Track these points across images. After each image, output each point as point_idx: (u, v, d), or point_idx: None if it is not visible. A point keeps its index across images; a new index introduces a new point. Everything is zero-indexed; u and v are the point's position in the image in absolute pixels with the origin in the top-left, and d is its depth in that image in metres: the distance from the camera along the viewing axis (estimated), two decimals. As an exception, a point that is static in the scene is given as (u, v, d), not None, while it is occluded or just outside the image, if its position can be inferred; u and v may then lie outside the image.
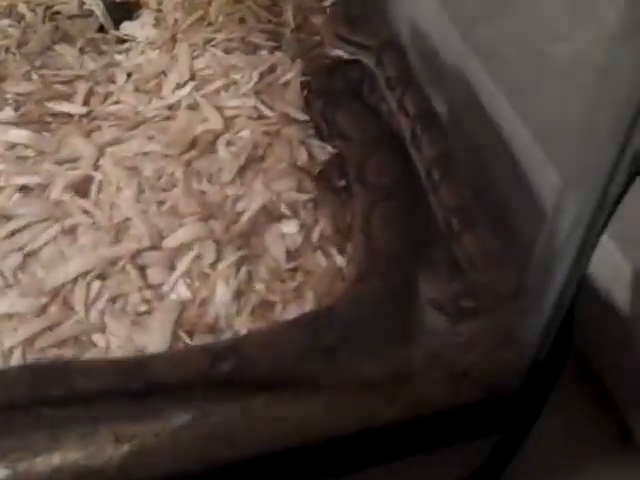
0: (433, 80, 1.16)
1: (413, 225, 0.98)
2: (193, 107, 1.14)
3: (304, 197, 1.00)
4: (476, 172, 1.06)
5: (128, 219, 0.99)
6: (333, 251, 1.00)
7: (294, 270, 0.97)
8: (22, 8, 1.40)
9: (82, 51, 1.34)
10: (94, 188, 1.05)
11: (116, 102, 1.22)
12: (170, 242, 0.96)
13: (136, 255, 0.96)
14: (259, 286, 0.94)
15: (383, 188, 1.01)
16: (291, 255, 0.98)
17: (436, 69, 1.17)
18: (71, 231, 1.00)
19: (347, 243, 1.01)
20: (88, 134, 1.17)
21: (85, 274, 0.95)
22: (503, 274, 0.91)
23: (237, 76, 1.16)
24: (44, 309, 0.93)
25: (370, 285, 0.90)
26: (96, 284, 0.94)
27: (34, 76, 1.26)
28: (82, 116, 1.20)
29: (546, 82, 1.02)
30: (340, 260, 0.99)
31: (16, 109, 1.21)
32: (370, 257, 0.95)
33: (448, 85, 1.15)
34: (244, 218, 0.98)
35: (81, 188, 1.05)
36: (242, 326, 0.91)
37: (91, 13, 1.40)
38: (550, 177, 0.91)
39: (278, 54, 1.22)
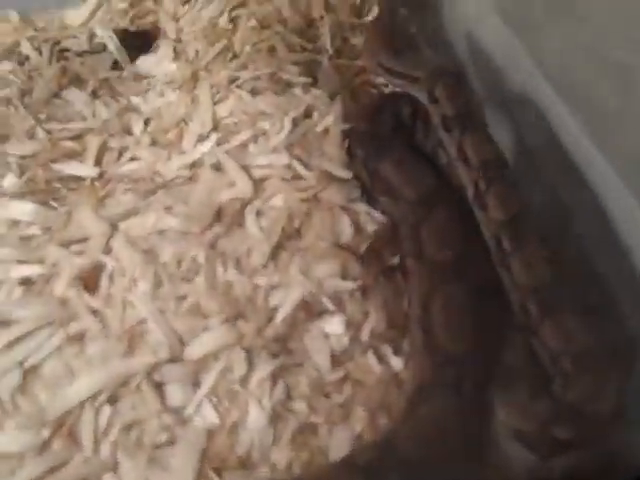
0: (500, 119, 0.95)
1: (482, 314, 0.78)
2: (217, 167, 0.96)
3: (350, 285, 0.83)
4: (557, 236, 0.85)
5: (143, 322, 0.82)
6: (387, 351, 0.84)
7: (341, 381, 0.79)
8: (26, 47, 1.24)
9: (94, 95, 1.18)
10: (104, 279, 0.89)
11: (132, 159, 1.05)
12: (192, 352, 0.80)
13: (153, 370, 0.79)
14: (299, 405, 0.79)
15: (443, 264, 0.80)
16: (336, 360, 0.81)
17: (504, 104, 0.96)
18: (78, 338, 0.85)
19: (403, 339, 0.81)
20: (100, 201, 0.99)
21: (94, 397, 0.79)
22: (602, 383, 0.71)
23: (266, 124, 0.98)
24: (46, 445, 0.78)
25: (434, 407, 0.71)
26: (106, 410, 0.80)
27: (40, 132, 1.10)
28: (93, 179, 1.02)
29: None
30: (395, 362, 0.82)
31: (20, 175, 1.05)
32: (431, 361, 0.76)
33: (518, 124, 0.94)
34: (279, 316, 0.81)
35: (89, 279, 0.89)
36: (280, 458, 0.76)
37: (103, 47, 1.23)
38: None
39: (314, 91, 1.03)
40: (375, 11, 1.22)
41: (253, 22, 1.13)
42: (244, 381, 0.79)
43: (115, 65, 1.23)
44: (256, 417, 0.77)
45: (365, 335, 0.82)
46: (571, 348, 0.76)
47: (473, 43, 1.09)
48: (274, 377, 0.79)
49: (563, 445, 0.68)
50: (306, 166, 0.94)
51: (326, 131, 0.97)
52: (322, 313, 0.82)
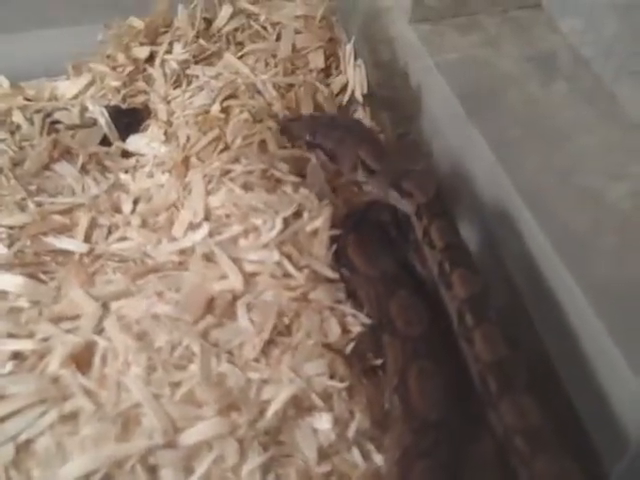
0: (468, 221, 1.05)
1: (452, 384, 0.89)
2: (209, 257, 1.01)
3: (337, 385, 0.89)
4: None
5: (138, 405, 0.86)
6: (370, 447, 0.88)
7: (328, 474, 0.85)
8: (17, 116, 1.28)
9: (84, 169, 1.21)
10: (97, 360, 0.92)
11: (121, 238, 1.09)
12: (187, 439, 0.84)
13: (147, 454, 0.83)
14: (289, 496, 0.81)
15: (413, 338, 0.93)
16: (324, 454, 0.86)
17: (473, 209, 1.06)
18: (72, 418, 0.87)
19: (384, 436, 0.87)
20: (90, 278, 1.03)
21: (87, 476, 0.82)
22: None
23: (258, 221, 1.03)
24: (38, 522, 0.78)
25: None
26: (100, 490, 0.80)
27: (30, 204, 1.13)
28: (82, 255, 1.06)
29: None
30: (378, 458, 0.87)
31: (9, 245, 1.08)
32: (409, 427, 0.86)
33: (490, 231, 1.04)
34: (271, 410, 0.86)
35: (82, 359, 0.92)
36: None
37: (94, 122, 1.27)
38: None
39: (303, 191, 1.08)
40: (360, 112, 1.30)
41: (245, 114, 1.19)
42: (236, 470, 0.83)
43: (104, 141, 1.27)
44: (247, 506, 0.81)
45: (351, 432, 0.87)
46: (526, 427, 0.83)
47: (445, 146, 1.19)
48: (265, 467, 0.83)
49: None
50: (295, 265, 1.00)
51: (315, 232, 1.03)
52: (311, 409, 0.87)
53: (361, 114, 1.32)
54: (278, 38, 1.35)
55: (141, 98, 1.33)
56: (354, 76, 1.32)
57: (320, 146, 1.08)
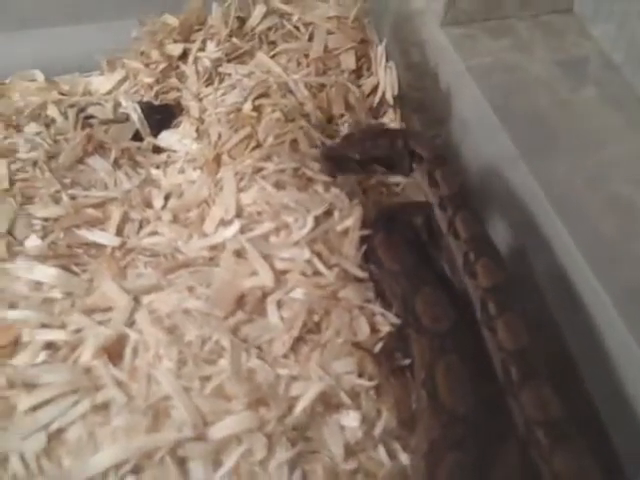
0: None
1: (478, 378, 0.89)
2: (240, 253, 1.02)
3: (365, 383, 0.90)
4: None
5: (168, 398, 0.87)
6: (396, 446, 0.89)
7: (354, 472, 0.85)
8: (52, 110, 1.29)
9: (116, 164, 1.23)
10: (129, 352, 0.93)
11: (153, 233, 1.11)
12: (216, 432, 0.85)
13: (177, 446, 0.84)
14: (315, 490, 0.82)
15: (440, 334, 0.93)
16: (350, 451, 0.87)
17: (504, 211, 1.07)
18: (103, 408, 0.89)
19: (411, 436, 0.89)
20: (121, 271, 1.04)
21: (117, 467, 0.83)
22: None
23: (289, 219, 1.04)
24: (70, 513, 0.80)
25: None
26: (130, 480, 0.81)
27: (64, 197, 1.14)
28: (115, 248, 1.08)
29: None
30: (404, 457, 0.88)
31: (43, 237, 1.10)
32: (438, 421, 0.86)
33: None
34: (299, 407, 0.87)
35: (114, 350, 0.94)
36: (295, 542, 0.79)
37: (127, 118, 1.29)
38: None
39: (334, 190, 1.09)
40: (391, 114, 1.31)
41: (278, 114, 1.20)
42: (264, 464, 0.84)
43: (136, 136, 1.28)
44: (274, 499, 0.82)
45: (378, 431, 0.88)
46: (547, 419, 0.84)
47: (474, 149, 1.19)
48: (292, 463, 0.84)
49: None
50: (326, 264, 1.01)
51: (345, 232, 1.04)
52: (339, 406, 0.89)
53: (391, 116, 1.33)
54: (310, 38, 1.36)
55: (173, 95, 1.35)
56: (385, 78, 1.33)
57: (375, 160, 1.08)
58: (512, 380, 0.87)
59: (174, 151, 1.27)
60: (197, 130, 1.27)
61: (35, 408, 0.89)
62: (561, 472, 0.79)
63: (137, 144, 1.28)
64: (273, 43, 1.37)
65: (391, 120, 1.32)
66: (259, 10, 1.38)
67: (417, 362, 0.95)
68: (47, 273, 1.04)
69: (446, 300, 0.97)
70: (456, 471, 0.82)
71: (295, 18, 1.38)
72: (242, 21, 1.38)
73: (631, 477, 0.85)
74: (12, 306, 0.99)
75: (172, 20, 1.38)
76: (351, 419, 0.88)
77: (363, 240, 1.04)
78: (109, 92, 1.35)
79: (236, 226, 1.06)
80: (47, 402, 0.90)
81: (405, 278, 1.01)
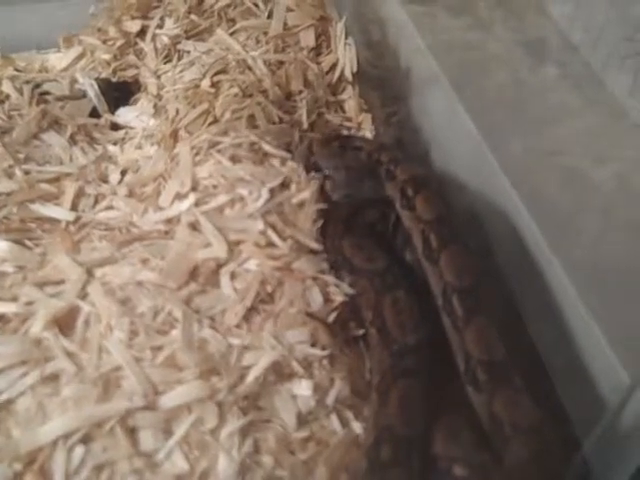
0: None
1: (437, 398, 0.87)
2: (194, 226, 1.01)
3: (318, 353, 0.89)
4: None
5: (119, 368, 0.86)
6: (349, 415, 0.89)
7: (306, 440, 0.85)
8: (7, 86, 1.28)
9: (72, 140, 1.22)
10: (80, 324, 0.92)
11: (108, 207, 1.10)
12: (167, 402, 0.85)
13: (127, 416, 0.83)
14: (266, 459, 0.84)
15: (400, 343, 0.90)
16: (303, 420, 0.87)
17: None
18: (53, 379, 0.88)
19: (364, 405, 0.88)
20: (75, 245, 1.03)
21: (66, 436, 0.82)
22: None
23: (244, 191, 1.03)
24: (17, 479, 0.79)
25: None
26: (79, 450, 0.82)
27: (17, 172, 1.13)
28: (69, 223, 1.06)
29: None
30: (356, 426, 0.88)
31: (-5, 211, 1.06)
32: (388, 428, 0.83)
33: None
34: (251, 376, 0.86)
35: (65, 322, 0.92)
36: (246, 507, 0.78)
37: (84, 94, 1.28)
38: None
39: (290, 164, 1.09)
40: (350, 90, 1.31)
41: (235, 89, 1.19)
42: (215, 433, 0.83)
43: (93, 113, 1.27)
44: (225, 467, 0.81)
45: (330, 400, 0.88)
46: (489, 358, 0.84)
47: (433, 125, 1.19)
48: (243, 431, 0.84)
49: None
50: (280, 235, 1.00)
51: (301, 204, 1.04)
52: (291, 376, 0.88)
53: (350, 92, 1.32)
54: (270, 16, 1.36)
55: (131, 72, 1.34)
56: (344, 55, 1.33)
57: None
58: (479, 383, 0.86)
59: (132, 128, 1.26)
60: (155, 106, 1.26)
61: (-16, 379, 0.86)
62: (499, 410, 0.79)
63: (94, 121, 1.27)
64: (232, 20, 1.37)
65: (349, 96, 1.30)
66: (218, -14, 1.37)
67: (374, 364, 0.93)
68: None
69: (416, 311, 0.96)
70: (407, 394, 0.83)
71: (254, -5, 1.37)
72: (201, -2, 1.37)
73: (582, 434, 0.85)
74: (-39, 279, 0.96)
75: (130, -4, 1.37)
76: (303, 388, 0.88)
77: (319, 214, 1.02)
78: (66, 69, 1.34)
79: (191, 199, 1.06)
80: (-4, 373, 0.87)
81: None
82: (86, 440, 0.83)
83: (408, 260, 1.03)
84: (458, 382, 0.87)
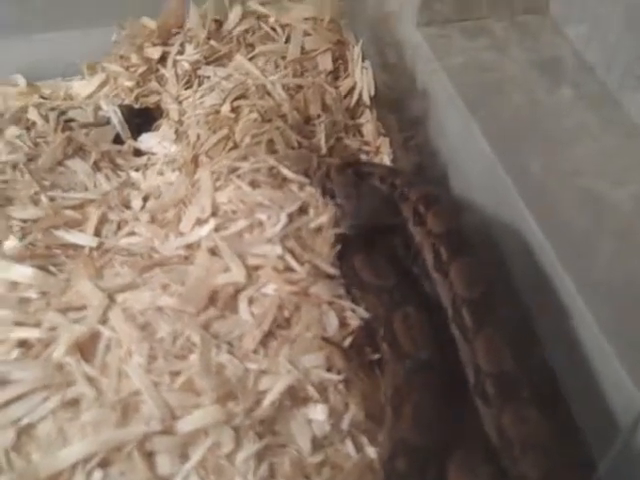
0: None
1: (450, 409, 0.87)
2: (214, 251, 1.03)
3: (334, 377, 0.90)
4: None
5: (137, 393, 0.88)
6: (364, 440, 0.90)
7: (321, 464, 0.86)
8: (33, 114, 1.31)
9: (96, 166, 1.24)
10: (101, 349, 0.94)
11: (130, 233, 1.12)
12: (184, 426, 0.86)
13: (145, 440, 0.85)
14: (281, 483, 0.83)
15: (414, 357, 0.91)
16: (318, 444, 0.88)
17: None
18: (73, 404, 0.90)
19: (379, 430, 0.89)
20: (98, 271, 1.05)
21: (86, 461, 0.84)
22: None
23: (263, 216, 1.05)
24: (37, 506, 0.80)
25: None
26: (97, 474, 0.84)
27: (43, 199, 1.16)
28: (92, 249, 1.09)
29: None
30: (371, 451, 0.88)
31: (22, 238, 1.11)
32: (401, 442, 0.85)
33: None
34: (267, 400, 0.88)
35: (87, 347, 0.94)
36: (261, 532, 0.80)
37: (107, 121, 1.31)
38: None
39: (309, 189, 1.10)
40: (367, 114, 1.32)
41: (255, 114, 1.22)
42: (231, 457, 0.84)
43: (117, 139, 1.30)
44: (241, 491, 0.82)
45: (345, 424, 0.89)
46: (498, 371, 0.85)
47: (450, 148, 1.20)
48: (259, 456, 0.85)
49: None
50: (298, 260, 1.02)
51: (319, 229, 1.05)
52: (307, 400, 0.89)
53: (368, 116, 1.34)
54: (287, 40, 1.38)
55: (153, 98, 1.36)
56: (362, 78, 1.34)
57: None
58: (489, 398, 0.86)
59: (154, 153, 1.28)
60: (176, 132, 1.28)
61: (6, 404, 0.89)
62: (507, 425, 0.80)
63: (118, 147, 1.29)
64: (251, 45, 1.39)
65: (367, 120, 1.32)
66: (236, 12, 1.40)
67: (388, 380, 0.94)
68: (24, 273, 1.05)
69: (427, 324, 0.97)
70: (420, 407, 0.84)
71: (272, 20, 1.39)
72: (219, 24, 1.40)
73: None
74: (-13, 306, 0.99)
75: (150, 23, 1.39)
76: (319, 412, 0.89)
77: (337, 239, 1.04)
78: (90, 96, 1.36)
79: (211, 225, 1.07)
80: (17, 398, 0.90)
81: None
82: (104, 464, 0.84)
83: (421, 278, 1.03)
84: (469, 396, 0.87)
